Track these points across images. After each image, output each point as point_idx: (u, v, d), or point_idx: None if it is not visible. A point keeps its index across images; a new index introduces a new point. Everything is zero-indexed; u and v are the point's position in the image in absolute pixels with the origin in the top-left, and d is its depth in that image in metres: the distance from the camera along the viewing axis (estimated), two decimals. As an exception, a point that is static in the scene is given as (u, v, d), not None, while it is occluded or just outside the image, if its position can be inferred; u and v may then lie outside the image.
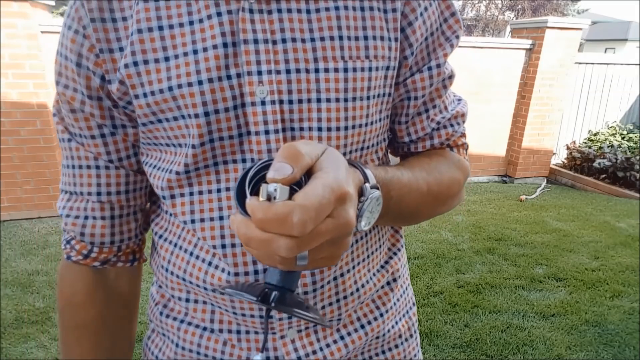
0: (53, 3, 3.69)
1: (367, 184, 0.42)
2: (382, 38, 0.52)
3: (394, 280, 0.66)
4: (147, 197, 0.63)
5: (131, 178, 0.59)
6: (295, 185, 0.33)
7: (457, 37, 0.58)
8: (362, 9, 0.51)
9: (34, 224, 3.62)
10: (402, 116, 0.60)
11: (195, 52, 0.47)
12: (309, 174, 0.34)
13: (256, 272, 0.53)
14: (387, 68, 0.54)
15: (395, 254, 0.67)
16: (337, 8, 0.50)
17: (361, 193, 0.41)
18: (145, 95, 0.49)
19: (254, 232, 0.32)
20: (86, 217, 0.58)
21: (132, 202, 0.60)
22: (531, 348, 2.26)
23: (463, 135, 0.64)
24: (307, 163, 0.34)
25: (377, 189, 0.43)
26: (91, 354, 0.63)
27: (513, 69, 5.03)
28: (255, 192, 0.34)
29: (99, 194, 0.57)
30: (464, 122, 0.64)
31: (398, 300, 0.67)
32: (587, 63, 5.42)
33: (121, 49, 0.50)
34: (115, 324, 0.66)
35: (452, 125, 0.62)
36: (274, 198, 0.31)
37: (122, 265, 0.63)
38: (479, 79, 4.90)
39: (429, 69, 0.57)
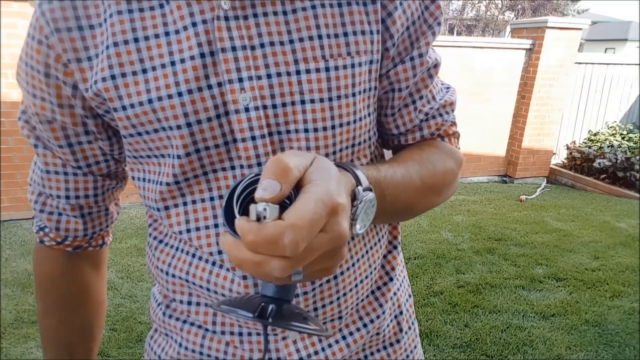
0: (53, 3, 3.69)
1: (359, 187, 0.40)
2: (363, 32, 0.51)
3: (394, 276, 0.67)
4: (117, 194, 0.66)
5: (99, 183, 0.60)
6: (285, 199, 0.32)
7: (439, 23, 0.57)
8: (340, 5, 0.50)
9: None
10: (388, 108, 0.59)
11: (172, 63, 0.47)
12: (297, 186, 0.33)
13: None
14: (371, 62, 0.53)
15: (395, 247, 0.67)
16: (313, 7, 0.49)
17: (354, 197, 0.40)
18: (124, 108, 0.48)
19: (245, 254, 0.31)
20: (60, 214, 0.61)
21: (100, 203, 0.62)
22: (531, 348, 2.26)
23: (453, 124, 0.63)
24: (296, 176, 0.33)
25: (370, 190, 0.42)
26: (62, 327, 0.68)
27: (513, 69, 5.03)
28: (244, 210, 0.33)
29: (67, 197, 0.59)
30: (453, 110, 0.63)
31: (395, 294, 0.67)
32: (587, 63, 5.43)
33: (89, 59, 0.48)
34: (79, 303, 0.70)
35: (441, 115, 0.61)
36: (264, 217, 0.30)
37: (93, 249, 0.68)
38: (479, 79, 4.90)
39: (412, 59, 0.55)
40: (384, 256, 0.66)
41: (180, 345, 0.60)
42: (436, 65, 0.59)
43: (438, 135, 0.62)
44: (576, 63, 5.25)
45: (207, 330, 0.59)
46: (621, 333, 2.37)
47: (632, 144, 5.31)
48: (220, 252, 0.53)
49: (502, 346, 2.26)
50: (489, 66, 4.92)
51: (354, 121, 0.53)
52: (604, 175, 5.06)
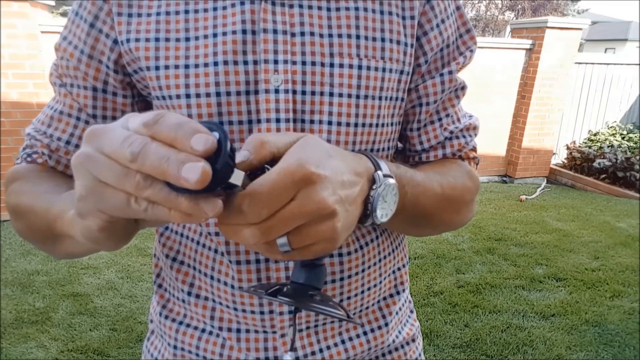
0: (53, 3, 3.69)
1: (379, 172, 0.41)
2: (398, 42, 0.53)
3: (403, 290, 0.67)
4: None
5: None
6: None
7: (471, 51, 0.61)
8: (382, 12, 0.53)
9: (34, 224, 3.62)
10: (414, 123, 0.61)
11: (215, 35, 0.49)
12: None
13: (257, 261, 0.53)
14: (401, 72, 0.55)
15: (407, 263, 0.68)
16: (357, 9, 0.52)
17: (373, 181, 0.40)
18: (157, 68, 0.50)
19: (220, 225, 0.33)
20: (56, 149, 0.57)
21: None
22: (531, 348, 2.26)
23: (474, 149, 0.64)
24: (269, 151, 0.34)
25: (391, 177, 0.42)
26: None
27: (513, 69, 5.03)
28: None
29: (67, 142, 0.57)
30: (475, 135, 0.64)
31: (400, 309, 0.67)
32: (587, 63, 5.42)
33: (130, 15, 0.51)
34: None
35: (464, 137, 0.62)
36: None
37: None
38: (479, 78, 4.90)
39: (441, 75, 0.58)
40: (398, 269, 0.66)
41: (175, 347, 0.60)
42: (463, 88, 0.62)
43: (459, 157, 0.63)
44: (576, 63, 5.24)
45: (203, 331, 0.59)
46: (621, 333, 2.37)
47: (632, 144, 5.31)
48: (217, 234, 0.53)
49: (502, 346, 2.26)
50: (489, 66, 4.91)
51: (377, 125, 0.54)
52: (604, 175, 5.05)
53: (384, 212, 0.41)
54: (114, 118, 0.57)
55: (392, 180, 0.42)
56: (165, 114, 0.28)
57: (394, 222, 0.46)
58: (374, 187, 0.40)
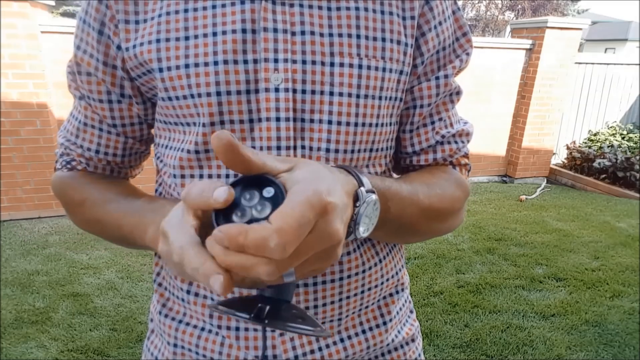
0: (53, 3, 3.69)
1: (362, 188, 0.41)
2: (398, 42, 0.53)
3: (402, 290, 0.67)
4: (143, 160, 0.68)
5: (129, 144, 0.62)
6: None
7: (468, 54, 0.61)
8: (383, 12, 0.53)
9: (34, 224, 3.62)
10: (407, 124, 0.61)
11: (214, 34, 0.49)
12: (286, 186, 0.33)
13: None
14: (401, 72, 0.55)
15: (406, 262, 0.67)
16: (357, 8, 0.52)
17: (356, 198, 0.40)
18: (160, 70, 0.51)
19: (233, 257, 0.30)
20: (90, 158, 0.62)
21: (126, 164, 0.64)
22: (531, 348, 2.26)
23: (466, 156, 0.64)
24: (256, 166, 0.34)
25: (373, 192, 0.42)
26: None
27: (513, 69, 5.03)
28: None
29: (97, 151, 0.61)
30: (468, 141, 0.64)
31: (400, 309, 0.67)
32: (587, 63, 5.42)
33: (137, 22, 0.52)
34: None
35: (456, 142, 0.62)
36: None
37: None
38: (479, 78, 4.90)
39: (437, 78, 0.58)
40: (400, 269, 0.66)
41: (175, 345, 0.60)
42: (458, 92, 0.62)
43: (450, 163, 0.63)
44: (576, 63, 5.24)
45: (202, 329, 0.59)
46: (621, 333, 2.37)
47: (632, 144, 5.31)
48: None
49: (502, 346, 2.26)
50: (489, 66, 4.91)
51: (376, 124, 0.54)
52: (604, 175, 5.05)
53: (365, 228, 0.41)
54: (132, 125, 0.60)
55: (374, 196, 0.41)
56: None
57: (376, 234, 0.46)
58: (357, 205, 0.40)
